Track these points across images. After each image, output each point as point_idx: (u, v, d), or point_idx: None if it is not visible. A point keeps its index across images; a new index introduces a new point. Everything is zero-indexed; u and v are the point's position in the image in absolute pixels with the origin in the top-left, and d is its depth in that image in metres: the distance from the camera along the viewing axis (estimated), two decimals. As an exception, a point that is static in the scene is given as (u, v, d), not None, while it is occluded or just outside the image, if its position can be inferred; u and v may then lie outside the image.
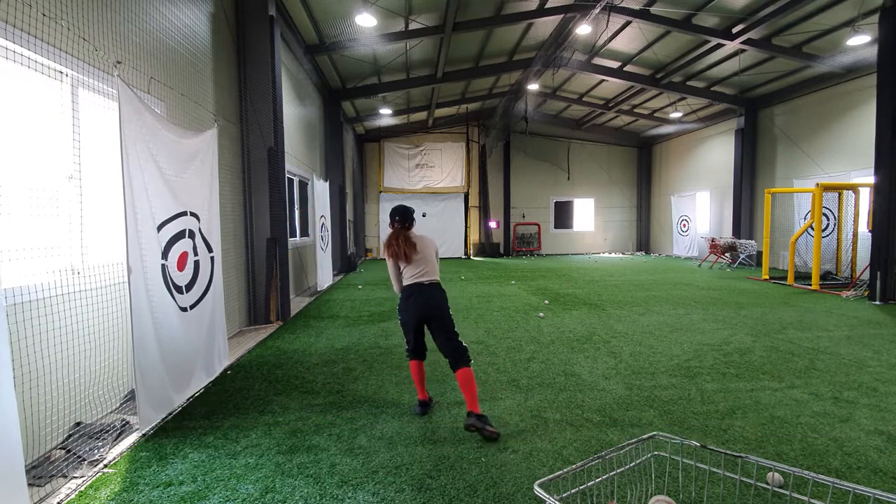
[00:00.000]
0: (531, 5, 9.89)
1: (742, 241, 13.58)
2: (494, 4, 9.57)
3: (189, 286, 3.96)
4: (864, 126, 10.67)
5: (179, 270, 3.80)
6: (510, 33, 11.32)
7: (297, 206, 9.80)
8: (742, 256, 13.57)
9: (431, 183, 18.59)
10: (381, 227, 18.52)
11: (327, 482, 2.59)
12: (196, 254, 4.10)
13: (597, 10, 9.16)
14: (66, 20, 3.23)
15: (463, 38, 10.94)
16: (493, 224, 19.31)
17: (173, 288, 3.68)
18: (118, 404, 3.65)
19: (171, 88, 4.78)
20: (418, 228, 3.56)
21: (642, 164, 20.18)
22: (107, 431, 3.16)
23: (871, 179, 8.33)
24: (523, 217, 19.99)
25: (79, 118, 3.28)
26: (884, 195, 7.83)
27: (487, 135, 18.31)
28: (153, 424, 3.29)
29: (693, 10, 9.61)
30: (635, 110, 16.64)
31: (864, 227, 9.92)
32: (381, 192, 18.43)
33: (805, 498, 1.75)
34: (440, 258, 3.77)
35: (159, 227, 3.51)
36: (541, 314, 7.11)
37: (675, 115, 15.66)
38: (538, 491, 1.56)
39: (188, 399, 3.83)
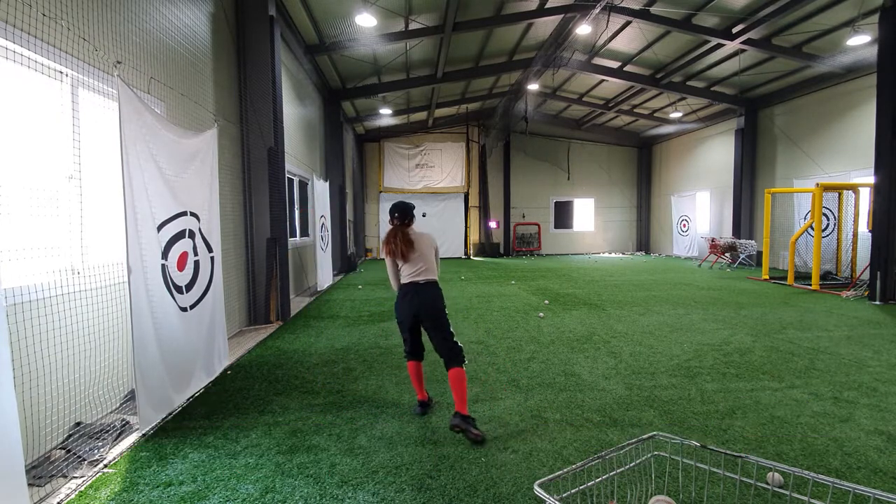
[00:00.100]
0: (531, 5, 9.89)
1: (742, 241, 13.58)
2: (494, 4, 9.57)
3: (189, 286, 3.96)
4: (864, 126, 10.67)
5: (179, 270, 3.80)
6: (510, 33, 11.32)
7: (297, 206, 9.80)
8: (742, 256, 13.57)
9: (431, 183, 18.59)
10: (380, 227, 18.52)
11: (327, 482, 2.59)
12: (196, 254, 4.10)
13: (597, 10, 9.16)
14: (66, 20, 3.23)
15: (463, 38, 10.94)
16: (493, 224, 19.31)
17: (173, 288, 3.68)
18: (118, 404, 3.65)
19: (171, 88, 4.78)
20: (418, 228, 3.53)
21: (642, 164, 20.18)
22: (107, 431, 3.16)
23: (871, 179, 8.33)
24: (523, 217, 19.99)
25: (79, 118, 3.28)
26: (884, 195, 7.83)
27: (487, 135, 18.31)
28: (153, 424, 3.29)
29: (693, 10, 9.61)
30: (635, 110, 16.63)
31: (864, 227, 9.92)
32: (381, 192, 18.42)
33: (805, 498, 1.75)
34: (441, 258, 3.74)
35: (159, 227, 3.51)
36: (541, 314, 7.10)
37: (675, 115, 15.66)
38: (538, 491, 1.56)
39: (188, 399, 3.83)
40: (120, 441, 3.11)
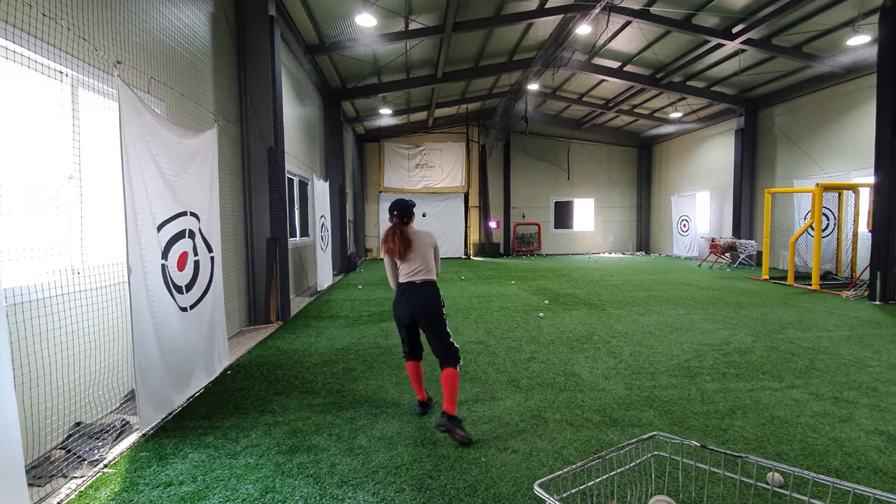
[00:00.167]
0: (531, 5, 9.89)
1: (742, 241, 13.58)
2: (494, 4, 9.57)
3: (189, 286, 3.96)
4: (864, 126, 10.67)
5: (179, 270, 3.80)
6: (510, 33, 11.32)
7: (297, 206, 9.80)
8: (742, 256, 13.57)
9: (431, 183, 18.59)
10: (380, 227, 18.52)
11: (327, 482, 2.59)
12: (196, 254, 4.10)
13: (597, 10, 9.16)
14: (66, 20, 3.23)
15: (463, 38, 10.94)
16: (493, 224, 19.31)
17: (173, 288, 3.68)
18: (118, 404, 3.65)
19: (171, 88, 4.78)
20: (418, 227, 3.51)
21: (642, 164, 20.18)
22: (107, 431, 3.16)
23: (871, 179, 8.33)
24: (523, 217, 19.99)
25: (79, 118, 3.28)
26: (884, 195, 7.83)
27: (487, 135, 18.31)
28: (153, 424, 3.29)
29: (693, 10, 9.61)
30: (635, 110, 16.64)
31: (864, 227, 9.92)
32: (381, 192, 18.42)
33: (805, 498, 1.75)
34: (441, 258, 3.73)
35: (159, 227, 3.51)
36: (541, 314, 7.11)
37: (675, 115, 15.66)
38: (538, 491, 1.56)
39: (188, 399, 3.83)
40: (120, 441, 3.11)
